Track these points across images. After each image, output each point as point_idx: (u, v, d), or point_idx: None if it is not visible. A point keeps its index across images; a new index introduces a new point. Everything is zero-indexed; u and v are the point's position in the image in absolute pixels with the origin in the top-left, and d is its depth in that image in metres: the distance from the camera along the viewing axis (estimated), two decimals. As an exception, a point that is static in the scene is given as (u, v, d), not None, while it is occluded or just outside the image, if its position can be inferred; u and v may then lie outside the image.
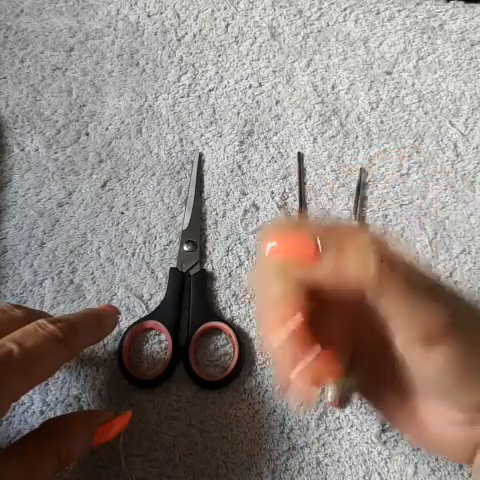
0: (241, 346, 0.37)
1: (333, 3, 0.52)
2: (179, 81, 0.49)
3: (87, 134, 0.46)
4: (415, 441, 0.30)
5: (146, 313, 0.39)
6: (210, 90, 0.48)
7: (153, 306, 0.40)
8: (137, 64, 0.49)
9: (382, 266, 0.22)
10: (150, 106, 0.48)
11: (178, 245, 0.42)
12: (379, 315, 0.24)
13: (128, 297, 0.40)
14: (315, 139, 0.46)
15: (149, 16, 0.52)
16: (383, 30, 0.51)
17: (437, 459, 0.35)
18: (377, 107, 0.47)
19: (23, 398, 0.35)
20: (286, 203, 0.43)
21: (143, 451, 0.35)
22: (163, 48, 0.50)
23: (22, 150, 0.46)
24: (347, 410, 0.36)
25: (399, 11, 0.52)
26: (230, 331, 0.38)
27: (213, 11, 0.52)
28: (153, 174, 0.45)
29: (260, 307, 0.26)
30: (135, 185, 0.44)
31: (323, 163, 0.45)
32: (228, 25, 0.51)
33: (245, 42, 0.50)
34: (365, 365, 0.30)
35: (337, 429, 0.36)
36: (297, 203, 0.43)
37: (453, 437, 0.28)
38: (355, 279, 0.23)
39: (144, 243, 0.42)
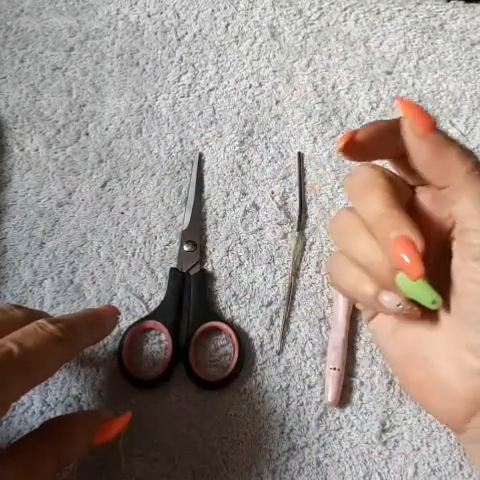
0: (241, 346, 0.37)
1: (333, 3, 0.52)
2: (179, 81, 0.49)
3: (87, 134, 0.46)
4: (413, 387, 0.29)
5: (146, 313, 0.39)
6: (210, 90, 0.48)
7: (153, 306, 0.40)
8: (137, 64, 0.49)
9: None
10: (150, 106, 0.48)
11: (178, 245, 0.42)
12: (453, 214, 0.26)
13: (128, 297, 0.40)
14: (315, 139, 0.46)
15: (149, 16, 0.52)
16: (383, 30, 0.51)
17: (437, 459, 0.35)
18: (377, 107, 0.47)
19: (23, 398, 0.35)
20: (286, 203, 0.43)
21: (143, 451, 0.35)
22: (163, 48, 0.50)
23: (22, 150, 0.46)
24: (347, 410, 0.36)
25: (399, 11, 0.52)
26: (230, 331, 0.38)
27: (213, 11, 0.52)
28: (153, 174, 0.45)
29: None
30: (135, 185, 0.44)
31: (323, 163, 0.45)
32: (228, 25, 0.51)
33: (245, 42, 0.50)
34: None
35: (337, 429, 0.36)
36: (297, 203, 0.43)
37: (457, 387, 0.26)
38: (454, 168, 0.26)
39: (144, 243, 0.42)
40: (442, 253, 0.28)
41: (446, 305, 0.27)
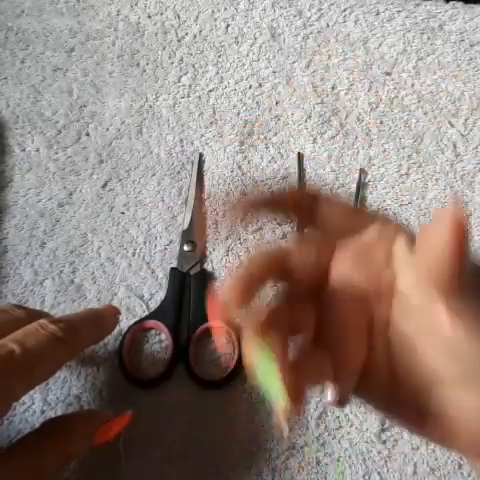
0: (241, 346, 0.37)
1: (333, 4, 0.52)
2: (179, 82, 0.49)
3: (88, 134, 0.46)
4: (441, 440, 0.28)
5: (146, 313, 0.39)
6: (210, 90, 0.48)
7: (153, 306, 0.40)
8: (137, 65, 0.50)
9: None
10: (150, 106, 0.48)
11: (178, 245, 0.42)
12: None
13: (128, 297, 0.40)
14: (315, 139, 0.46)
15: (149, 17, 0.52)
16: (383, 31, 0.51)
17: (436, 459, 0.35)
18: (377, 107, 0.48)
19: (24, 397, 0.35)
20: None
21: (143, 450, 0.35)
22: (163, 49, 0.50)
23: (23, 150, 0.46)
24: (347, 409, 0.37)
25: (399, 12, 0.52)
26: (230, 331, 0.38)
27: (213, 12, 0.52)
28: (153, 174, 0.45)
29: None
30: (135, 185, 0.44)
31: (323, 163, 0.45)
32: (228, 26, 0.51)
33: (245, 43, 0.50)
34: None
35: (337, 428, 0.36)
36: (297, 203, 0.43)
37: (473, 423, 0.25)
38: None
39: (144, 243, 0.42)
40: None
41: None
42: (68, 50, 0.50)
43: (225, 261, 0.41)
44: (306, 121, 0.47)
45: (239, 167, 0.45)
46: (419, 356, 0.25)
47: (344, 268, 0.26)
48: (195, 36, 0.51)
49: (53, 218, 0.43)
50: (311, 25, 0.51)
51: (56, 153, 0.46)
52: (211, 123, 0.47)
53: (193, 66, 0.50)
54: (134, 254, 0.42)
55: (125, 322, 0.39)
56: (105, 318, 0.35)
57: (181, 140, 0.46)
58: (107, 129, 0.47)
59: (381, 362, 0.26)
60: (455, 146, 0.46)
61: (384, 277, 0.25)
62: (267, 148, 0.46)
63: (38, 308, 0.39)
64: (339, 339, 0.26)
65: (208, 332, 0.39)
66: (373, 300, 0.26)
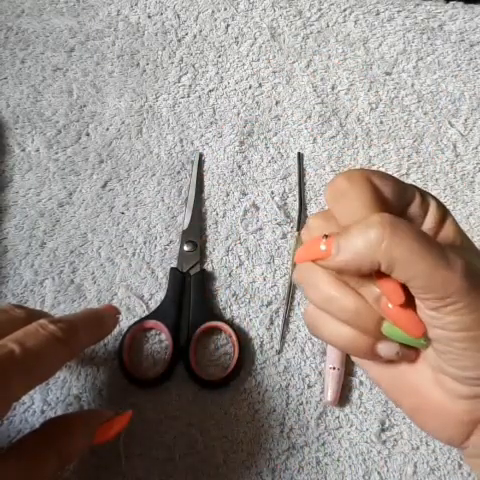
0: (241, 346, 0.38)
1: (333, 4, 0.52)
2: (179, 82, 0.49)
3: (88, 134, 0.47)
4: (410, 414, 0.29)
5: (146, 313, 0.39)
6: (210, 91, 0.48)
7: (153, 306, 0.40)
8: (137, 65, 0.50)
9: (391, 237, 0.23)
10: (150, 106, 0.48)
11: (178, 245, 0.42)
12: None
13: (128, 297, 0.40)
14: (315, 139, 0.46)
15: (149, 17, 0.52)
16: (383, 31, 0.51)
17: (436, 459, 0.35)
18: (377, 107, 0.48)
19: (24, 397, 0.35)
20: (286, 203, 0.44)
21: (143, 450, 0.35)
22: (163, 49, 0.50)
23: (23, 150, 0.46)
24: (347, 409, 0.37)
25: (399, 12, 0.52)
26: (230, 331, 0.38)
27: (213, 12, 0.52)
28: (153, 174, 0.45)
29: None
30: (135, 185, 0.44)
31: (323, 163, 0.45)
32: (228, 26, 0.51)
33: (245, 43, 0.51)
34: None
35: (337, 428, 0.36)
36: (297, 203, 0.44)
37: (451, 411, 0.26)
38: (368, 259, 0.23)
39: (144, 243, 0.42)
40: None
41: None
42: (68, 50, 0.50)
43: (225, 261, 0.41)
44: (306, 121, 0.47)
45: (239, 167, 0.45)
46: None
47: None
48: (195, 36, 0.51)
49: (53, 218, 0.43)
50: (311, 25, 0.51)
51: (56, 153, 0.46)
52: (211, 123, 0.47)
53: (193, 66, 0.50)
54: (134, 254, 0.42)
55: (125, 322, 0.39)
56: (105, 318, 0.35)
57: (181, 140, 0.46)
58: (107, 129, 0.47)
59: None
60: (455, 146, 0.46)
61: None
62: (267, 148, 0.46)
63: (38, 308, 0.39)
64: None
65: (208, 332, 0.39)
66: None
